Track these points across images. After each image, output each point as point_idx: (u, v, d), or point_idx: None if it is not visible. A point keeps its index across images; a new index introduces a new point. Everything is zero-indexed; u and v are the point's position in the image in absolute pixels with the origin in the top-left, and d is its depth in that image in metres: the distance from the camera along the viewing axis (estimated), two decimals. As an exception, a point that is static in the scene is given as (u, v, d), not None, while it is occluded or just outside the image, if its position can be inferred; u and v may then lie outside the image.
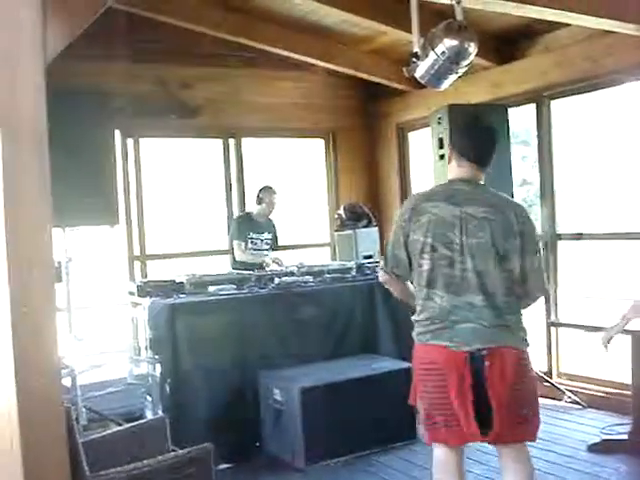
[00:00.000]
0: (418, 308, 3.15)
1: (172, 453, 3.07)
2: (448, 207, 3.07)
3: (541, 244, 3.19)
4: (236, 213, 7.25)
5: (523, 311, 3.17)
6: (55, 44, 2.32)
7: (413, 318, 3.18)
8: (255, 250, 6.66)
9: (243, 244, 6.59)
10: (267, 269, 6.31)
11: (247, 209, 7.09)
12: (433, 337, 3.05)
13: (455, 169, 3.22)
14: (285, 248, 7.57)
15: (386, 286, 3.40)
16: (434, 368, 3.03)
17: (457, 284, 3.03)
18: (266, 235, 6.76)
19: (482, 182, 3.21)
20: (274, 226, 6.89)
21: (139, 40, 6.26)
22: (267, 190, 6.73)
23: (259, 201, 6.70)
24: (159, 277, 5.83)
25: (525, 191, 14.01)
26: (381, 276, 3.36)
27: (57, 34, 2.28)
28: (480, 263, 3.01)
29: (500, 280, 3.03)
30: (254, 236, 6.66)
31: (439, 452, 3.15)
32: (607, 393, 5.68)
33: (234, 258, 6.62)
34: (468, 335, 2.98)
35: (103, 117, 5.10)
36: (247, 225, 6.67)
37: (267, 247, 6.76)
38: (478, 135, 3.30)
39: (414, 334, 3.16)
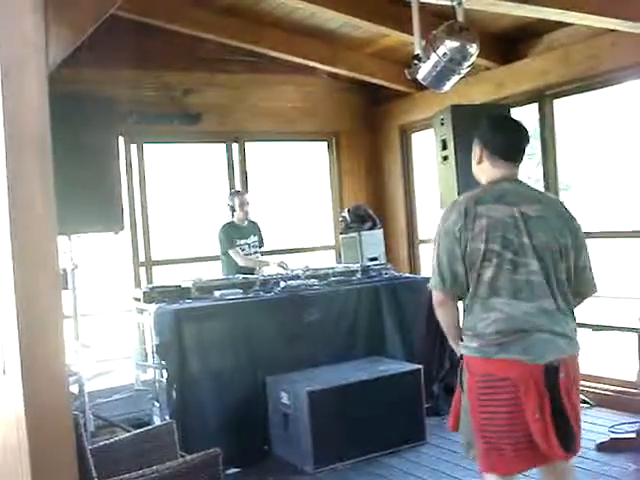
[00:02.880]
0: (479, 322, 2.87)
1: (180, 459, 3.06)
2: (502, 208, 2.88)
3: None
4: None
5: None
6: (59, 51, 2.32)
7: (467, 331, 2.92)
8: (245, 255, 6.59)
9: (235, 250, 6.51)
10: (265, 272, 6.27)
11: (228, 219, 6.82)
12: (502, 350, 2.79)
13: (490, 169, 3.06)
14: (290, 251, 7.58)
15: (438, 311, 3.03)
16: (503, 385, 2.78)
17: (524, 289, 2.83)
18: (252, 239, 6.68)
19: (518, 178, 3.07)
20: (258, 228, 6.82)
21: (142, 46, 6.27)
22: (233, 195, 6.71)
23: (231, 209, 6.62)
24: (165, 283, 5.84)
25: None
26: (437, 298, 3.00)
27: (61, 41, 2.29)
28: (544, 264, 2.85)
29: (562, 281, 2.90)
30: (241, 242, 6.59)
31: None
32: (615, 392, 5.66)
33: (225, 268, 6.56)
34: (542, 346, 2.79)
35: (107, 123, 5.09)
36: (234, 233, 6.59)
37: (255, 250, 6.69)
38: (512, 132, 3.14)
39: (471, 347, 2.89)
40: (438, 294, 2.98)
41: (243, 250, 6.56)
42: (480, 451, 2.86)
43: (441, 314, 3.03)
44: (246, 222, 6.67)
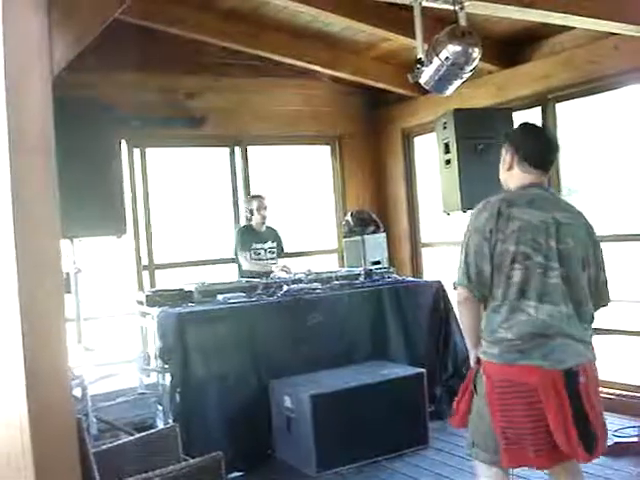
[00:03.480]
0: (499, 326, 2.90)
1: (183, 462, 3.07)
2: (535, 212, 2.92)
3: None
4: (242, 221, 7.25)
5: None
6: (63, 55, 2.33)
7: (487, 336, 2.95)
8: (259, 260, 6.60)
9: (247, 254, 6.55)
10: (273, 277, 6.29)
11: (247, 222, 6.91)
12: (523, 357, 2.83)
13: (520, 175, 3.07)
14: (293, 255, 7.58)
15: (461, 309, 3.09)
16: (523, 390, 2.82)
17: (551, 292, 2.88)
18: (269, 244, 6.69)
19: (545, 184, 3.12)
20: (278, 234, 6.83)
21: (145, 50, 6.28)
22: (251, 199, 6.73)
23: (250, 212, 6.65)
24: (168, 286, 5.84)
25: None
26: (461, 295, 3.03)
27: (65, 45, 2.30)
28: (570, 270, 2.91)
29: (584, 289, 2.96)
30: (257, 246, 6.61)
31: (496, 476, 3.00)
32: (619, 396, 5.65)
33: (241, 268, 6.61)
34: (562, 352, 2.84)
35: (110, 127, 5.11)
36: (249, 236, 6.62)
37: (272, 256, 6.69)
38: (544, 141, 3.17)
39: (490, 353, 2.93)
40: (463, 291, 3.01)
41: (258, 254, 6.57)
42: (503, 450, 2.90)
43: (463, 313, 3.08)
44: (264, 227, 6.69)
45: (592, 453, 2.84)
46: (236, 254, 6.63)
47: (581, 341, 2.90)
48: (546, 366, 2.80)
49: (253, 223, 6.66)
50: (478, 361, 3.01)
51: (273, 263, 6.62)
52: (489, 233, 2.91)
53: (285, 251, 6.91)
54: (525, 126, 3.31)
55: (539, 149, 3.10)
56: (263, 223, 6.67)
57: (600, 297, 3.07)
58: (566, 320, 2.88)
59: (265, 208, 6.64)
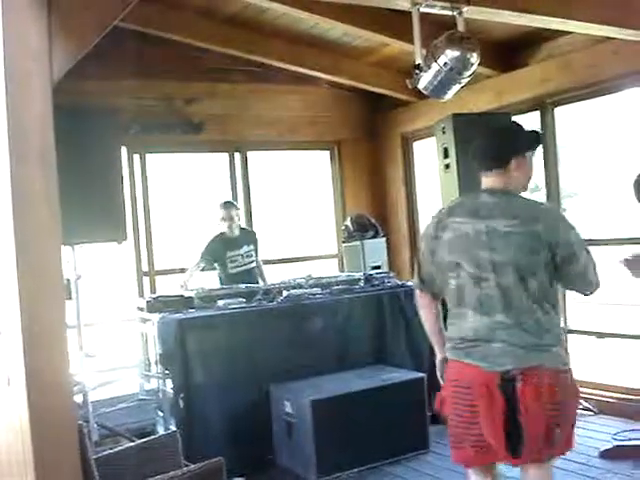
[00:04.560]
0: (450, 326, 3.02)
1: (184, 468, 3.07)
2: (472, 221, 2.90)
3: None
4: (243, 226, 7.24)
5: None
6: (63, 62, 2.34)
7: (446, 334, 3.06)
8: (238, 267, 6.49)
9: (202, 265, 6.42)
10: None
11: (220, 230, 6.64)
12: (466, 355, 2.91)
13: (482, 180, 3.04)
14: (293, 260, 7.60)
15: (420, 312, 3.19)
16: (464, 387, 2.90)
17: (486, 303, 2.87)
18: (245, 248, 6.55)
19: (510, 188, 2.97)
20: (253, 236, 6.73)
21: (145, 56, 6.30)
22: (222, 206, 6.53)
23: (221, 219, 6.49)
24: (168, 292, 5.85)
25: (537, 196, 14.02)
26: (417, 298, 3.18)
27: (65, 53, 2.31)
28: (507, 280, 2.83)
29: (528, 297, 2.84)
30: (232, 254, 6.47)
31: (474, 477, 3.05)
32: (619, 399, 5.65)
33: (219, 277, 6.53)
34: (500, 355, 2.83)
35: (110, 134, 5.12)
36: (222, 246, 6.47)
37: (252, 259, 6.59)
38: (482, 140, 3.10)
39: (447, 348, 3.04)
40: (418, 294, 3.19)
41: (235, 262, 6.50)
42: (450, 443, 3.05)
43: (422, 315, 3.21)
44: (237, 232, 6.54)
45: (515, 456, 2.84)
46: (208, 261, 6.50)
47: (524, 347, 2.82)
48: (484, 367, 2.83)
49: (226, 231, 6.50)
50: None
51: (252, 267, 6.57)
52: (430, 240, 3.03)
53: (258, 252, 6.73)
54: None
55: (481, 149, 3.06)
56: (232, 231, 6.50)
57: (578, 289, 2.98)
58: (505, 329, 2.83)
59: (232, 219, 6.46)
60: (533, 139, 3.10)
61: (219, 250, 6.48)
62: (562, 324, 6.07)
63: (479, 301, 2.88)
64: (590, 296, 3.02)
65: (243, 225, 6.92)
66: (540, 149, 6.42)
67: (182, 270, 6.62)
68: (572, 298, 6.18)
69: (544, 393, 2.78)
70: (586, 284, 2.95)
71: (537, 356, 2.83)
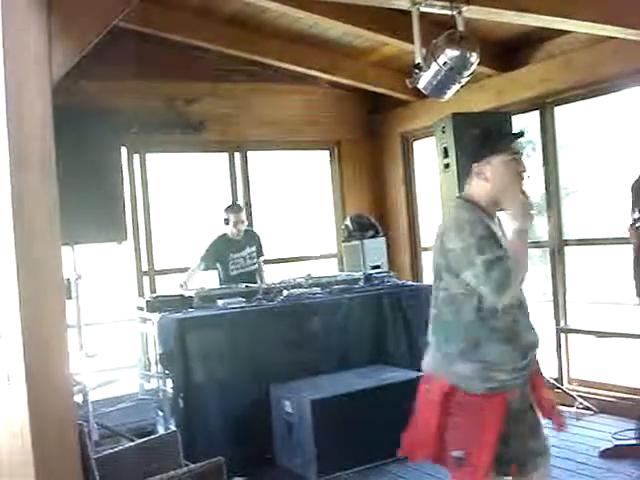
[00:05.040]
0: None
1: (184, 468, 3.07)
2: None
3: (479, 261, 2.67)
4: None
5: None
6: (62, 64, 2.34)
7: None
8: (240, 269, 6.49)
9: (203, 267, 6.43)
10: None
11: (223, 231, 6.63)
12: None
13: None
14: (293, 260, 7.60)
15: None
16: None
17: (432, 298, 2.97)
18: (248, 250, 6.55)
19: (474, 197, 2.89)
20: (256, 237, 6.72)
21: (144, 57, 6.30)
22: (229, 209, 6.52)
23: (226, 222, 6.46)
24: (168, 292, 5.85)
25: (538, 196, 14.02)
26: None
27: (64, 54, 2.31)
28: (435, 283, 2.92)
29: (442, 301, 2.87)
30: (234, 256, 6.47)
31: None
32: (618, 398, 5.66)
33: (220, 276, 6.52)
34: (426, 355, 3.00)
35: (109, 134, 5.12)
36: (224, 248, 6.47)
37: (254, 261, 6.59)
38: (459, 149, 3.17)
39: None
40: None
41: (237, 263, 6.50)
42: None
43: None
44: (241, 234, 6.52)
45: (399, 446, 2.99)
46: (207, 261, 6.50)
47: (436, 350, 2.92)
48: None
49: (229, 233, 6.50)
50: None
51: (254, 269, 6.56)
52: None
53: (263, 253, 6.74)
54: None
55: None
56: (237, 234, 6.48)
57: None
58: (431, 323, 2.94)
59: (243, 222, 6.48)
60: (498, 143, 2.89)
61: (222, 251, 6.48)
62: (559, 323, 6.08)
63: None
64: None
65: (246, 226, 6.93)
66: (539, 149, 6.46)
67: (184, 269, 6.62)
68: (570, 297, 6.20)
69: (436, 405, 2.89)
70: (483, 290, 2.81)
71: (440, 364, 2.93)
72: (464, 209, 2.84)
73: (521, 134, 2.97)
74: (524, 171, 2.87)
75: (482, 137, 2.97)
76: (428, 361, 2.97)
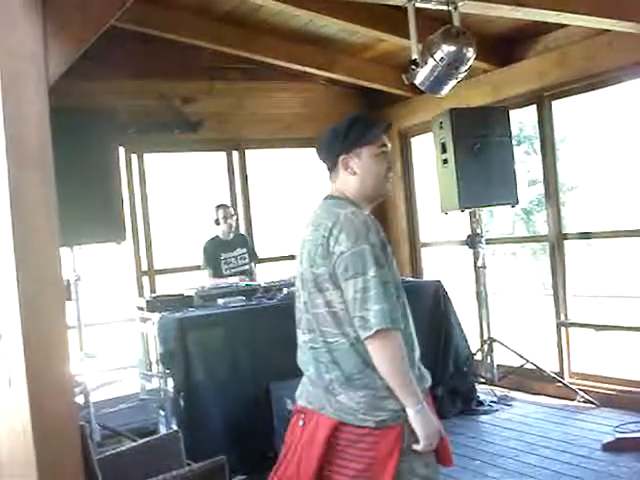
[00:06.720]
0: None
1: (187, 467, 3.07)
2: (304, 233, 2.59)
3: (371, 266, 2.30)
4: (242, 224, 7.24)
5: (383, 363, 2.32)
6: (59, 63, 2.33)
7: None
8: (232, 269, 6.49)
9: (211, 271, 6.43)
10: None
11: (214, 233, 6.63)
12: None
13: None
14: (292, 258, 7.58)
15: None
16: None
17: (300, 320, 2.58)
18: (239, 251, 6.56)
19: (345, 192, 2.62)
20: (246, 240, 6.75)
21: (141, 56, 6.30)
22: (219, 208, 6.53)
23: (216, 222, 6.49)
24: (168, 291, 5.85)
25: (535, 191, 14.06)
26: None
27: (61, 53, 2.30)
28: (305, 295, 2.49)
29: (318, 317, 2.43)
30: (226, 256, 6.49)
31: None
32: (620, 391, 5.66)
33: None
34: (300, 387, 2.60)
35: (107, 134, 5.12)
36: (216, 248, 6.48)
37: (244, 262, 6.58)
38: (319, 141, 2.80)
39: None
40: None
41: (230, 263, 6.51)
42: None
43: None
44: (232, 235, 6.55)
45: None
46: (203, 269, 6.54)
47: (315, 380, 2.48)
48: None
49: (220, 233, 6.52)
50: None
51: (246, 269, 6.56)
52: None
53: (257, 256, 6.78)
54: None
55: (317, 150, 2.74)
56: (230, 232, 6.52)
57: (353, 322, 2.34)
58: (309, 352, 2.50)
59: (232, 216, 6.51)
60: (362, 131, 2.62)
61: (214, 252, 6.49)
62: (559, 317, 6.08)
63: (299, 318, 2.62)
64: (376, 353, 2.35)
65: (240, 226, 6.93)
66: (538, 143, 6.46)
67: (184, 269, 6.63)
68: (570, 291, 6.20)
69: (316, 447, 2.45)
70: (357, 318, 2.32)
71: (320, 397, 2.51)
72: (351, 210, 2.49)
73: (389, 126, 2.71)
74: (391, 167, 2.64)
75: (348, 126, 2.67)
76: (304, 394, 2.56)
